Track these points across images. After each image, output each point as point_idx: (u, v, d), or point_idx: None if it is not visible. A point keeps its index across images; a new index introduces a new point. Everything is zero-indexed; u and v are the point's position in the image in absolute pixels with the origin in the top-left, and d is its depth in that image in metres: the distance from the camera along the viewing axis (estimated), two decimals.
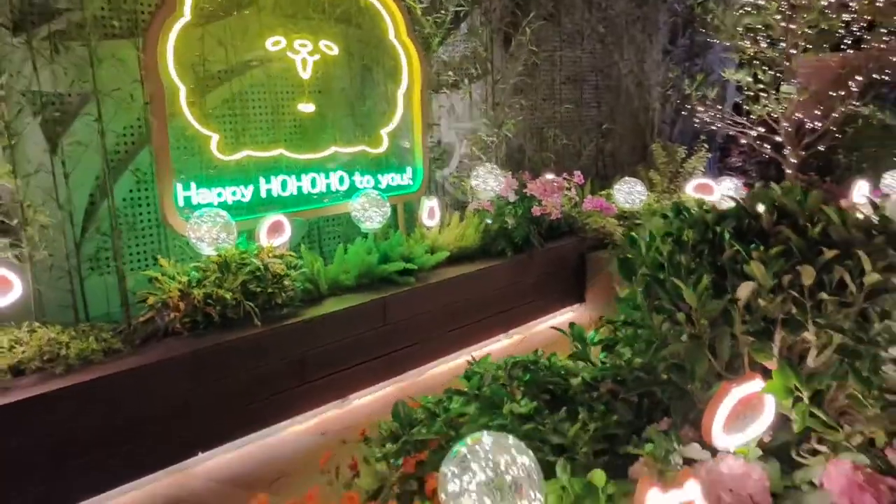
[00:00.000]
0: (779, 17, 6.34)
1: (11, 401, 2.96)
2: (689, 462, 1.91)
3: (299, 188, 4.55)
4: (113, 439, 3.26)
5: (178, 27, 3.84)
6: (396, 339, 4.52)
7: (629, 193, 6.22)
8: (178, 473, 3.55)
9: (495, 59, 5.97)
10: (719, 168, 8.38)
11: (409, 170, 5.26)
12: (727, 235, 2.11)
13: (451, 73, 5.82)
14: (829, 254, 1.88)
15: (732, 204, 2.27)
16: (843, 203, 2.21)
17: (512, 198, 5.51)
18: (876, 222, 1.97)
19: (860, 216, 1.99)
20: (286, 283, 4.03)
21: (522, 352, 2.66)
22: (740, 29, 6.85)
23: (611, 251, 5.93)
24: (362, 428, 2.27)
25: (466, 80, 5.90)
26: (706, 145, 7.00)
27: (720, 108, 7.18)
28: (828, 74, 7.07)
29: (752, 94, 6.65)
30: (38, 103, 3.56)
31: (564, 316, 6.04)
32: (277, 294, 3.96)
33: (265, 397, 3.85)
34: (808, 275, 1.86)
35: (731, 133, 7.17)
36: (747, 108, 6.81)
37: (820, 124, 6.54)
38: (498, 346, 5.28)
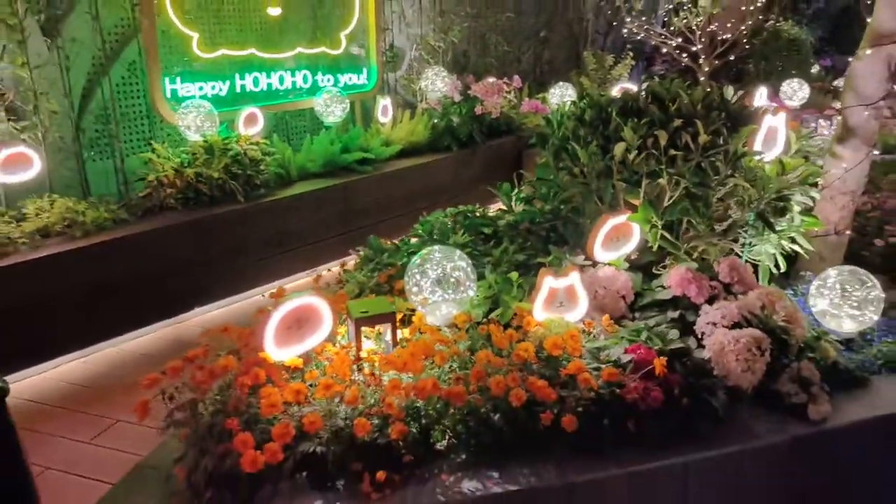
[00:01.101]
0: None
1: (46, 254, 3.62)
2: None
3: (269, 84, 5.14)
4: (124, 291, 3.96)
5: None
6: (357, 219, 5.25)
7: (562, 97, 6.97)
8: (178, 324, 4.30)
9: None
10: (646, 75, 9.16)
11: (364, 70, 5.86)
12: (613, 113, 2.89)
13: None
14: (678, 122, 2.68)
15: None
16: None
17: (457, 98, 6.20)
18: (714, 101, 2.78)
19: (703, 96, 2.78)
20: (262, 167, 4.69)
21: None
22: None
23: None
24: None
25: None
26: (631, 54, 7.74)
27: (644, 19, 7.88)
28: None
29: (672, 6, 7.36)
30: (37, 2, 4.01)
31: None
32: (255, 176, 4.63)
33: (249, 263, 4.58)
34: (662, 137, 2.67)
35: (654, 43, 7.90)
36: (668, 20, 7.54)
37: (728, 36, 7.33)
38: None
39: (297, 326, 2.15)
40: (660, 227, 2.77)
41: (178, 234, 4.16)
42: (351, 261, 5.19)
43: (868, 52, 3.04)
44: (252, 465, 1.86)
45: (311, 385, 2.12)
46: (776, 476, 2.30)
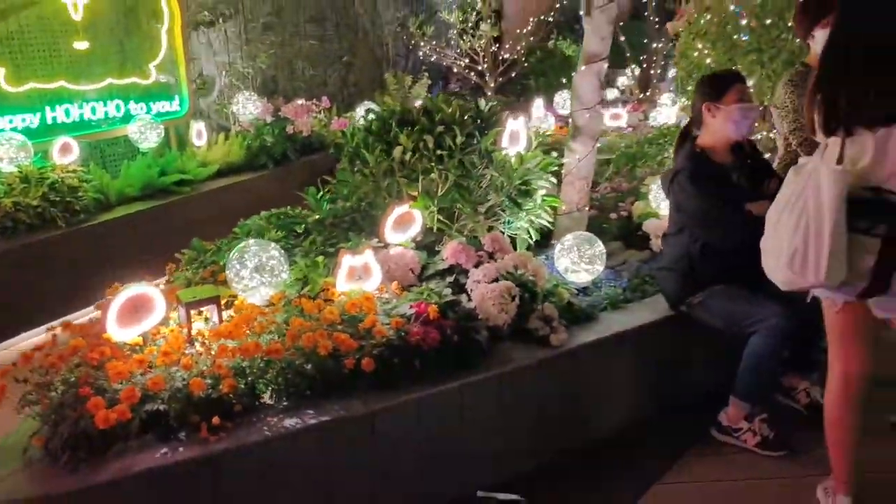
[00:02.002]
0: None
1: None
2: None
3: (81, 115, 5.32)
4: None
5: None
6: (178, 237, 5.51)
7: (367, 116, 7.63)
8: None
9: (245, 0, 6.94)
10: (442, 93, 10.10)
11: (176, 98, 6.16)
12: (393, 124, 3.56)
13: (206, 12, 6.70)
14: (440, 128, 3.39)
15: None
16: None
17: (269, 120, 6.66)
18: (467, 110, 3.53)
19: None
20: (80, 193, 4.89)
21: None
22: None
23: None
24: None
25: (221, 19, 6.81)
26: (427, 74, 8.60)
27: (435, 43, 8.79)
28: (518, 16, 8.96)
29: (458, 32, 8.32)
30: None
31: None
32: (74, 202, 4.82)
33: (72, 285, 4.74)
34: (428, 140, 3.36)
35: (446, 64, 8.82)
36: (454, 44, 8.49)
37: (507, 55, 8.41)
38: None
39: (135, 311, 2.57)
40: (436, 212, 3.46)
41: None
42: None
43: (583, 68, 3.95)
44: (105, 422, 2.26)
45: (150, 359, 2.55)
46: (529, 390, 3.03)
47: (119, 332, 2.52)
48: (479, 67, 8.40)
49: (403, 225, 3.43)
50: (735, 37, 4.64)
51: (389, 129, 3.55)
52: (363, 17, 8.87)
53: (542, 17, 9.12)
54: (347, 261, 3.02)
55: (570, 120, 4.14)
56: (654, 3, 9.84)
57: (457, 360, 2.84)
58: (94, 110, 5.42)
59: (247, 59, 7.00)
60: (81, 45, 5.28)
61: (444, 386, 2.78)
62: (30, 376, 2.40)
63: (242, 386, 2.54)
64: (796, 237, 2.21)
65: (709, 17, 4.89)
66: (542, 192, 3.71)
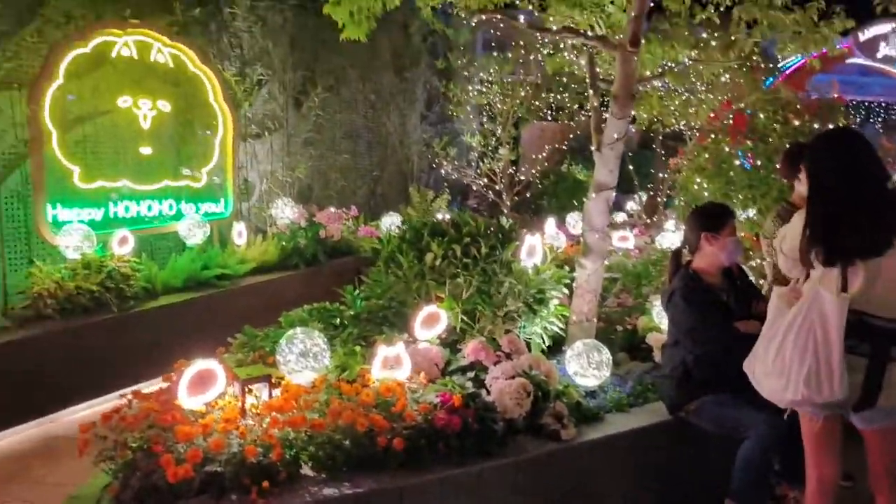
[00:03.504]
0: (495, 99, 8.85)
1: None
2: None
3: (138, 211, 5.89)
4: (14, 386, 4.41)
5: (54, 87, 5.10)
6: (217, 327, 5.95)
7: (392, 224, 8.24)
8: (50, 423, 4.75)
9: (289, 117, 7.70)
10: (461, 208, 10.78)
11: (222, 200, 6.76)
12: (425, 234, 4.06)
13: (254, 126, 7.43)
14: (467, 239, 3.88)
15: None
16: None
17: (303, 224, 7.23)
18: (491, 226, 4.03)
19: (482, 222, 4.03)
20: (132, 281, 5.37)
21: None
22: (469, 107, 9.31)
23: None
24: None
25: (266, 133, 7.54)
26: (448, 190, 9.28)
27: (457, 163, 9.53)
28: (536, 141, 9.74)
29: (479, 154, 9.06)
30: None
31: None
32: (126, 290, 5.29)
33: (120, 365, 5.14)
34: (456, 249, 3.84)
35: (466, 182, 9.51)
36: (475, 164, 9.21)
37: (523, 178, 9.11)
38: None
39: (201, 383, 2.97)
40: (460, 313, 3.90)
41: (56, 340, 4.71)
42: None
43: (594, 195, 4.48)
44: (174, 477, 2.62)
45: (213, 425, 2.92)
46: (540, 478, 3.34)
47: (188, 400, 2.90)
48: (497, 187, 9.08)
49: (431, 323, 3.85)
50: (731, 174, 5.21)
51: (422, 238, 4.04)
52: (393, 136, 9.66)
53: (556, 145, 9.91)
54: (382, 351, 3.43)
55: (581, 239, 4.63)
56: (660, 138, 10.64)
57: (476, 445, 3.18)
58: (150, 208, 5.99)
59: (287, 169, 7.67)
60: (146, 150, 5.93)
61: (465, 469, 3.11)
62: (109, 434, 2.77)
63: (288, 456, 2.89)
64: (808, 358, 2.53)
65: (706, 156, 5.49)
66: (556, 301, 4.15)
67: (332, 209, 7.70)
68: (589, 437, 3.50)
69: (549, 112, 9.06)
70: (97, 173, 5.54)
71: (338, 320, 4.04)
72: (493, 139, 9.00)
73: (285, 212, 7.20)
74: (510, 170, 9.01)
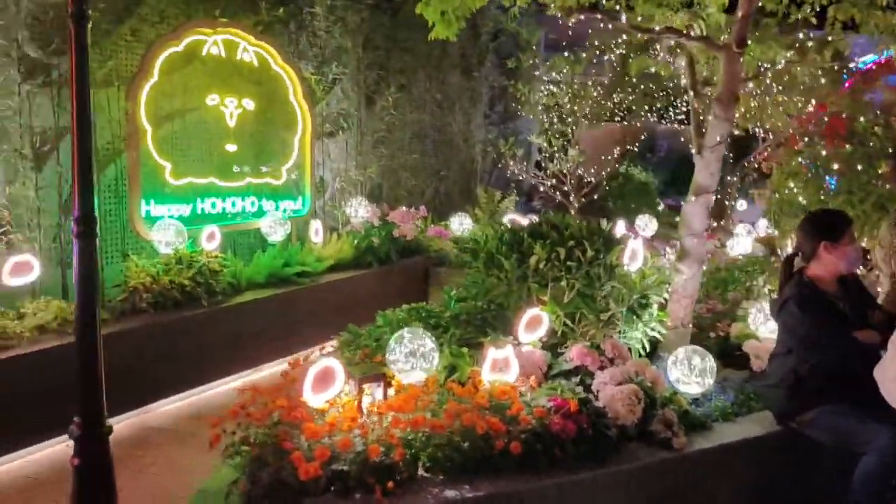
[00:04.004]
0: (566, 100, 8.77)
1: (44, 347, 4.18)
2: None
3: (223, 208, 5.98)
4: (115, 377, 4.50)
5: (149, 85, 5.21)
6: (298, 321, 6.03)
7: (461, 224, 8.23)
8: (145, 414, 4.84)
9: (362, 116, 7.74)
10: (526, 209, 10.72)
11: (300, 198, 6.83)
12: (525, 235, 4.02)
13: (328, 125, 7.48)
14: (571, 242, 3.83)
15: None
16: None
17: (376, 223, 7.26)
18: (595, 229, 3.98)
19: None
20: (220, 277, 5.45)
21: None
22: (540, 106, 9.24)
23: (447, 267, 7.86)
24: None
25: (340, 132, 7.58)
26: (516, 190, 9.24)
27: (525, 163, 9.48)
28: (600, 143, 9.64)
29: (547, 155, 8.99)
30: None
31: None
32: (214, 285, 5.37)
33: (207, 359, 5.23)
34: (561, 252, 3.80)
35: (532, 182, 9.45)
36: (544, 165, 9.14)
37: (593, 179, 9.01)
38: None
39: (323, 381, 2.98)
40: (562, 317, 3.85)
41: (151, 332, 4.80)
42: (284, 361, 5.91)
43: (693, 199, 4.39)
44: (306, 474, 2.63)
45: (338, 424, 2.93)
46: (652, 487, 3.29)
47: (313, 398, 2.92)
48: (565, 188, 9.00)
49: (533, 326, 3.82)
50: (828, 177, 5.06)
51: (521, 240, 4.01)
52: (457, 135, 9.65)
53: (618, 147, 9.80)
54: (492, 353, 3.41)
55: (678, 244, 4.54)
56: (728, 140, 10.42)
57: (590, 452, 3.14)
58: (234, 204, 6.08)
59: (359, 168, 7.70)
60: (231, 147, 6.01)
61: (580, 475, 3.07)
62: (237, 430, 2.80)
63: (408, 456, 2.88)
64: None
65: (800, 160, 5.35)
66: (657, 306, 4.08)
67: (403, 208, 7.71)
68: (700, 446, 3.42)
69: (618, 113, 8.94)
70: (186, 170, 5.64)
71: (435, 321, 4.02)
72: (562, 139, 8.92)
73: (359, 210, 7.23)
74: (578, 171, 8.92)
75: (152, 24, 5.37)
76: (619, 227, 8.44)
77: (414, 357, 3.43)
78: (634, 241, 4.05)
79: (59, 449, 4.27)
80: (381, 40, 7.82)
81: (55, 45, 4.62)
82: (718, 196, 10.61)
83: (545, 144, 9.00)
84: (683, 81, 7.20)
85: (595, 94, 8.58)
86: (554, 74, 8.86)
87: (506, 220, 8.42)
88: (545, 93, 8.89)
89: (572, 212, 9.10)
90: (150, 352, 4.79)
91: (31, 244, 4.60)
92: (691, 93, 4.44)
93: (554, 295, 3.86)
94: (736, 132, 9.60)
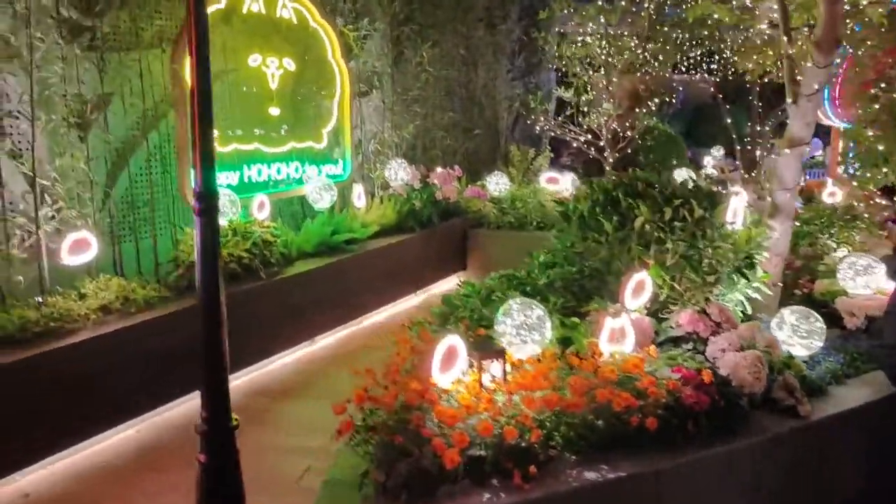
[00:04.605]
0: (600, 50, 8.44)
1: (110, 329, 3.95)
2: None
3: (269, 175, 5.69)
4: (172, 359, 4.30)
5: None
6: (350, 289, 5.82)
7: (497, 184, 7.97)
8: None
9: (394, 74, 7.39)
10: (554, 165, 10.44)
11: (340, 162, 6.54)
12: (620, 195, 3.79)
13: (361, 84, 7.14)
14: (677, 201, 3.61)
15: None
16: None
17: (417, 185, 6.99)
18: (698, 187, 3.75)
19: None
20: (273, 248, 5.20)
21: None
22: (569, 59, 8.91)
23: (486, 228, 7.63)
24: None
25: (373, 91, 7.24)
26: (549, 147, 8.96)
27: (554, 118, 9.18)
28: (632, 95, 9.32)
29: (578, 108, 8.67)
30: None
31: (452, 281, 7.62)
32: (269, 256, 5.13)
33: (267, 332, 5.02)
34: (667, 212, 3.58)
35: (567, 138, 9.14)
36: (579, 119, 8.83)
37: (629, 133, 8.74)
38: (412, 302, 6.77)
39: (449, 359, 2.78)
40: (667, 281, 3.65)
41: None
42: (346, 331, 5.72)
43: (787, 151, 4.17)
44: (451, 462, 2.44)
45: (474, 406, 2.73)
46: (782, 457, 3.13)
47: (442, 378, 2.72)
48: (601, 143, 8.73)
49: (637, 292, 3.61)
50: None
51: (615, 201, 3.78)
52: (481, 91, 9.31)
53: (650, 100, 9.50)
54: (609, 323, 3.20)
55: (769, 198, 4.33)
56: (757, 90, 10.15)
57: (723, 424, 2.97)
58: (279, 171, 5.79)
59: (394, 129, 7.40)
60: (274, 111, 5.70)
61: (714, 449, 2.90)
62: (367, 417, 2.60)
63: (544, 435, 2.69)
64: None
65: (877, 106, 5.11)
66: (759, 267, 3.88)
67: (439, 169, 7.44)
68: (825, 413, 3.26)
69: (649, 64, 8.59)
70: (231, 136, 5.33)
71: (530, 288, 3.81)
72: (594, 92, 8.61)
73: (398, 173, 6.95)
74: (613, 124, 8.63)
75: None
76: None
77: (525, 330, 3.23)
78: (736, 199, 3.83)
79: (129, 435, 4.08)
80: None
81: (99, 6, 4.27)
82: (749, 147, 10.39)
83: (574, 97, 8.68)
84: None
85: (633, 44, 8.25)
86: (592, 26, 8.48)
87: (542, 178, 8.18)
88: (578, 44, 8.53)
89: (606, 167, 8.85)
90: None
91: (84, 219, 4.32)
92: (784, 38, 4.16)
93: (657, 258, 3.65)
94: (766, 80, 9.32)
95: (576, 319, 3.39)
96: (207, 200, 2.31)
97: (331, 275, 5.61)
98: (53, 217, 4.17)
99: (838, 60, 8.50)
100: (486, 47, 9.43)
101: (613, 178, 3.97)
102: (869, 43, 5.33)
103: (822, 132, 14.24)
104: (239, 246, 4.86)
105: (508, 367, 3.07)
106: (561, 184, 8.04)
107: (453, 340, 2.80)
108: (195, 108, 2.23)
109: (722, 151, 13.37)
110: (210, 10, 5.01)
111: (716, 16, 5.44)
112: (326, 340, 5.65)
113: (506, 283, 3.86)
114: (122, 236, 4.70)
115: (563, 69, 9.29)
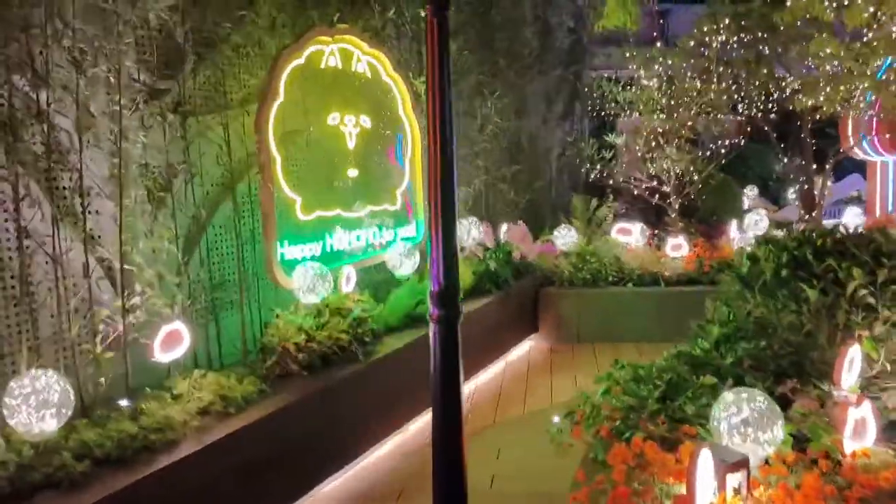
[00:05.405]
0: (660, 94, 8.07)
1: (216, 438, 3.34)
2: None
3: (349, 242, 5.15)
4: (282, 461, 3.69)
5: (276, 106, 4.37)
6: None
7: (565, 238, 7.47)
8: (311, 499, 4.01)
9: (461, 126, 6.91)
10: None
11: (413, 222, 6.01)
12: (808, 253, 3.27)
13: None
14: (890, 263, 3.09)
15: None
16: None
17: (490, 244, 6.47)
18: None
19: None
20: (366, 326, 4.63)
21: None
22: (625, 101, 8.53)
23: (557, 286, 7.10)
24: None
25: None
26: (612, 196, 8.50)
27: (614, 165, 8.75)
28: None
29: (647, 156, 8.24)
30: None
31: (526, 344, 7.04)
32: (363, 334, 4.56)
33: (366, 422, 4.42)
34: (881, 274, 3.05)
35: (631, 186, 8.68)
36: (643, 166, 8.38)
37: (695, 177, 8.31)
38: (493, 371, 6.18)
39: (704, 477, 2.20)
40: (881, 354, 3.10)
41: (313, 402, 3.97)
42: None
43: None
44: None
45: None
46: None
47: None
48: (665, 188, 8.29)
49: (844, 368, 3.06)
50: None
51: (803, 262, 3.27)
52: (535, 140, 8.89)
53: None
54: (853, 414, 2.65)
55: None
56: (809, 126, 9.78)
57: None
58: (359, 237, 5.26)
59: (461, 184, 6.89)
60: (353, 172, 5.19)
61: None
62: None
63: None
64: None
65: None
66: None
67: (511, 225, 6.93)
68: None
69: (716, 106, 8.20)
70: (314, 202, 4.80)
71: (710, 368, 3.25)
72: (659, 138, 8.18)
73: (471, 232, 6.44)
74: (677, 170, 8.19)
75: (270, 32, 4.53)
76: (734, 228, 7.81)
77: (751, 427, 2.66)
78: None
79: None
80: (475, 42, 7.01)
81: (167, 68, 3.78)
82: (806, 186, 9.98)
83: (636, 145, 8.27)
84: None
85: (700, 85, 7.88)
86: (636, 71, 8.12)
87: (613, 231, 7.69)
88: (632, 88, 8.16)
89: (672, 214, 8.38)
90: (312, 425, 3.97)
91: (171, 307, 3.74)
92: None
93: (872, 329, 3.10)
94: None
95: (799, 408, 2.82)
96: (449, 302, 1.76)
97: (419, 351, 5.00)
98: (138, 307, 3.59)
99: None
100: (538, 94, 9.07)
101: (796, 235, 3.45)
102: None
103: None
104: (338, 327, 4.29)
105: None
106: (633, 235, 7.55)
107: (707, 455, 2.23)
108: (434, 181, 1.70)
109: (756, 191, 12.99)
110: (293, 65, 4.56)
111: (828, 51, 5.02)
112: (417, 425, 5.03)
113: (685, 364, 3.30)
114: (205, 323, 4.12)
115: (613, 113, 8.90)
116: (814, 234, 3.41)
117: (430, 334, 1.88)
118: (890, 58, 7.24)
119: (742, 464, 2.42)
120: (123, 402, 3.38)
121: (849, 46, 4.88)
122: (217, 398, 3.58)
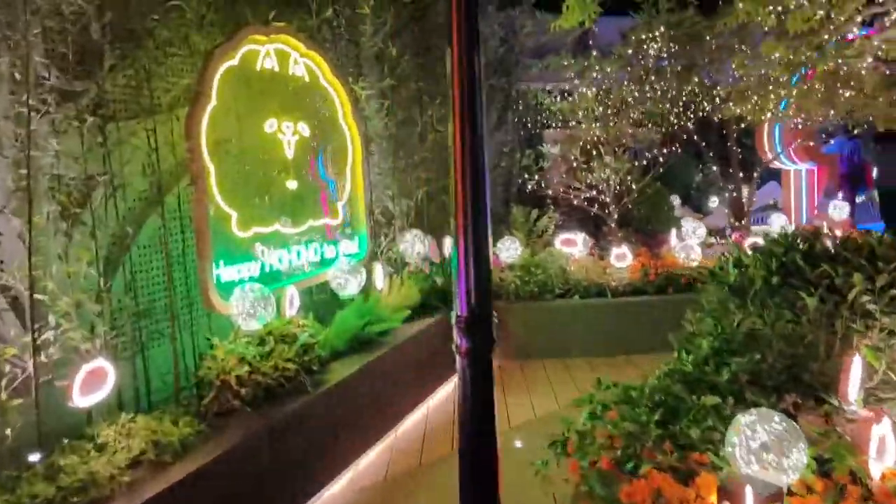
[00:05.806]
0: (596, 103, 7.98)
1: (151, 495, 2.84)
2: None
3: (290, 261, 4.68)
4: None
5: (208, 111, 3.89)
6: (387, 394, 4.83)
7: (509, 250, 7.21)
8: None
9: (399, 136, 6.55)
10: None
11: (356, 238, 5.60)
12: (798, 259, 3.09)
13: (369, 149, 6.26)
14: (888, 267, 2.94)
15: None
16: None
17: (436, 259, 6.13)
18: None
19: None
20: (313, 352, 4.19)
21: None
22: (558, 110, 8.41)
23: (504, 300, 6.82)
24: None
25: (377, 155, 6.36)
26: (553, 207, 8.32)
27: (562, 178, 8.60)
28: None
29: (582, 166, 8.13)
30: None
31: None
32: (310, 361, 4.12)
33: (318, 453, 3.97)
34: (881, 279, 2.89)
35: (569, 196, 8.54)
36: (581, 175, 8.26)
37: (633, 186, 8.26)
38: (442, 394, 5.81)
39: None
40: (883, 364, 2.94)
41: (259, 441, 3.51)
42: (382, 443, 4.69)
43: None
44: None
45: None
46: None
47: None
48: (605, 198, 8.18)
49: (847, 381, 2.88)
50: None
51: (797, 268, 3.08)
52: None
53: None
54: (877, 431, 2.44)
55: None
56: (735, 136, 9.97)
57: None
58: (299, 255, 4.80)
59: (402, 195, 6.52)
60: (292, 184, 4.74)
61: None
62: None
63: None
64: None
65: None
66: None
67: (449, 238, 6.60)
68: None
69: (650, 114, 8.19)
70: (251, 217, 4.32)
71: (705, 384, 3.01)
72: (599, 146, 8.07)
73: (416, 246, 6.07)
74: (614, 180, 8.11)
75: (198, 30, 4.05)
76: (673, 239, 7.76)
77: (771, 452, 2.41)
78: None
79: None
80: (412, 46, 6.66)
81: (84, 65, 3.27)
82: (735, 194, 10.14)
83: (571, 154, 8.14)
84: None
85: (635, 93, 7.82)
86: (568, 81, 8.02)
87: (557, 242, 7.49)
88: (577, 96, 8.04)
89: (611, 224, 8.28)
90: (259, 467, 3.50)
91: (90, 342, 3.20)
92: None
93: (873, 338, 2.94)
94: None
95: (814, 427, 2.60)
96: (480, 331, 1.40)
97: (368, 377, 4.61)
98: (51, 343, 3.05)
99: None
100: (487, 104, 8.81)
101: (779, 240, 3.27)
102: None
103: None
104: (283, 355, 3.83)
105: None
106: (577, 245, 7.37)
107: (749, 492, 1.95)
108: (463, 185, 1.36)
109: (678, 200, 13.23)
110: (226, 66, 4.10)
111: None
112: (369, 459, 4.60)
113: (679, 383, 3.04)
114: (131, 357, 3.59)
115: (547, 124, 8.78)
116: (798, 239, 3.25)
117: (458, 370, 1.51)
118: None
119: (778, 496, 2.16)
120: (36, 458, 2.84)
121: (797, 49, 4.88)
122: (149, 445, 3.07)
